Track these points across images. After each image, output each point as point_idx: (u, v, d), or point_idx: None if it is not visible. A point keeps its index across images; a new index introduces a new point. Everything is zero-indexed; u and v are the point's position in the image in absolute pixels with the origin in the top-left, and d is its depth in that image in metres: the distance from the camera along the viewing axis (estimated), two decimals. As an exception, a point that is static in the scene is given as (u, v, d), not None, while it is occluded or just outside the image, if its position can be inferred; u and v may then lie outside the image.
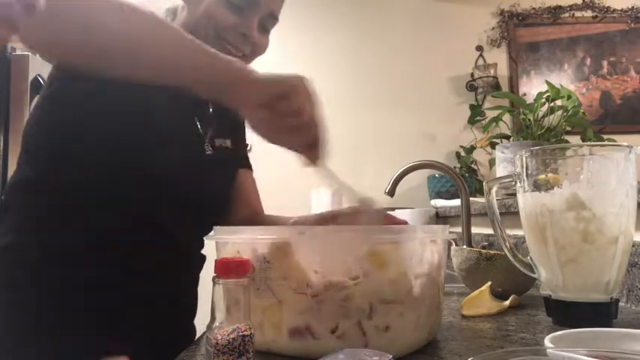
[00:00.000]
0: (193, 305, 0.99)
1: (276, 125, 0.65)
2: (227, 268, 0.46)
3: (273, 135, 0.66)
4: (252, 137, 1.05)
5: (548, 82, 1.90)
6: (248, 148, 1.11)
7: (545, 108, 1.87)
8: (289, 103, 0.63)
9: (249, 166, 1.08)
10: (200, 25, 0.84)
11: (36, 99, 2.19)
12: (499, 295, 0.86)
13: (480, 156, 2.82)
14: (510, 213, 1.33)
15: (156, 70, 0.65)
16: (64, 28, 0.61)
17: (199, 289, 0.99)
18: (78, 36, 0.62)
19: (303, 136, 0.66)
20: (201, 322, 0.89)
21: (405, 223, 0.86)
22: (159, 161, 0.81)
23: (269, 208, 1.10)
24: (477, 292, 0.84)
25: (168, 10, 0.94)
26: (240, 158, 1.06)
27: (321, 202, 2.55)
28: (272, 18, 0.89)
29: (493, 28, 3.07)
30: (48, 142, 0.81)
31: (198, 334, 0.97)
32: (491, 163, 2.51)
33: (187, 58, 0.64)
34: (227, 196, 0.99)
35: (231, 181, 1.01)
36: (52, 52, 0.67)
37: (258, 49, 0.90)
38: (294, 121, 0.64)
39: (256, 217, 1.04)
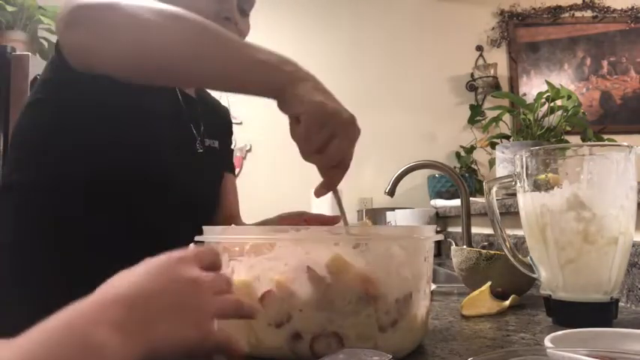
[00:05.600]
0: None
1: (315, 147, 0.62)
2: None
3: (308, 152, 0.63)
4: (250, 138, 1.05)
5: (548, 82, 1.90)
6: (248, 148, 1.13)
7: (545, 108, 1.87)
8: (335, 144, 0.60)
9: (232, 171, 1.11)
10: None
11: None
12: (499, 295, 0.86)
13: (480, 156, 2.82)
14: (510, 213, 1.33)
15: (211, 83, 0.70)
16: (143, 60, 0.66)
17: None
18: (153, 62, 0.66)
19: (335, 160, 0.63)
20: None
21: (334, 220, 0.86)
22: (154, 160, 0.81)
23: (268, 206, 1.10)
24: (477, 292, 0.84)
25: None
26: (225, 161, 1.09)
27: (320, 200, 2.55)
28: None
29: (493, 28, 3.07)
30: (43, 142, 0.81)
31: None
32: (491, 163, 2.51)
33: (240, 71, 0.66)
34: (216, 195, 1.01)
35: (219, 181, 1.03)
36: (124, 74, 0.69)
37: (242, 33, 0.92)
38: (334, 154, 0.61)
39: (233, 221, 1.06)
